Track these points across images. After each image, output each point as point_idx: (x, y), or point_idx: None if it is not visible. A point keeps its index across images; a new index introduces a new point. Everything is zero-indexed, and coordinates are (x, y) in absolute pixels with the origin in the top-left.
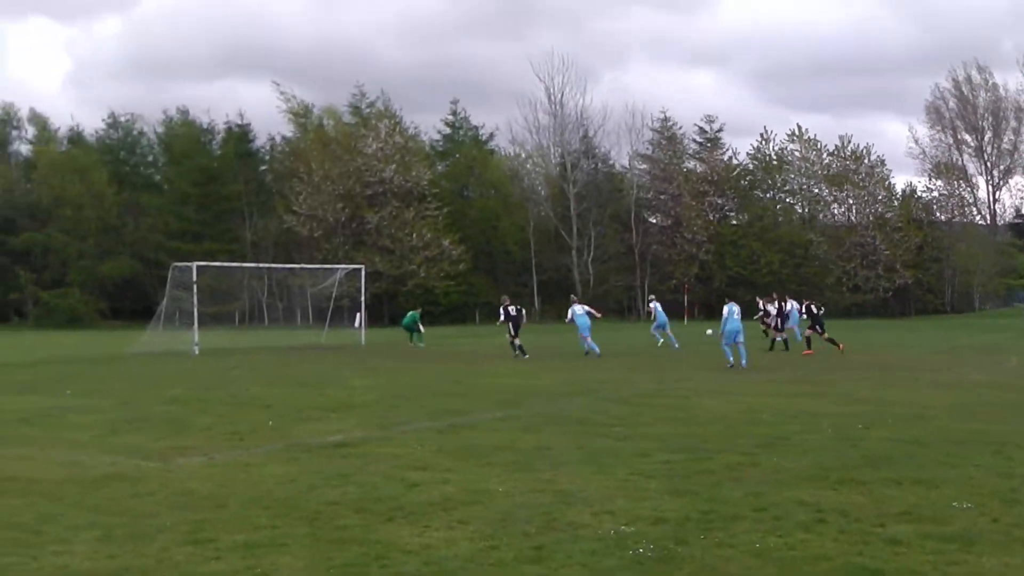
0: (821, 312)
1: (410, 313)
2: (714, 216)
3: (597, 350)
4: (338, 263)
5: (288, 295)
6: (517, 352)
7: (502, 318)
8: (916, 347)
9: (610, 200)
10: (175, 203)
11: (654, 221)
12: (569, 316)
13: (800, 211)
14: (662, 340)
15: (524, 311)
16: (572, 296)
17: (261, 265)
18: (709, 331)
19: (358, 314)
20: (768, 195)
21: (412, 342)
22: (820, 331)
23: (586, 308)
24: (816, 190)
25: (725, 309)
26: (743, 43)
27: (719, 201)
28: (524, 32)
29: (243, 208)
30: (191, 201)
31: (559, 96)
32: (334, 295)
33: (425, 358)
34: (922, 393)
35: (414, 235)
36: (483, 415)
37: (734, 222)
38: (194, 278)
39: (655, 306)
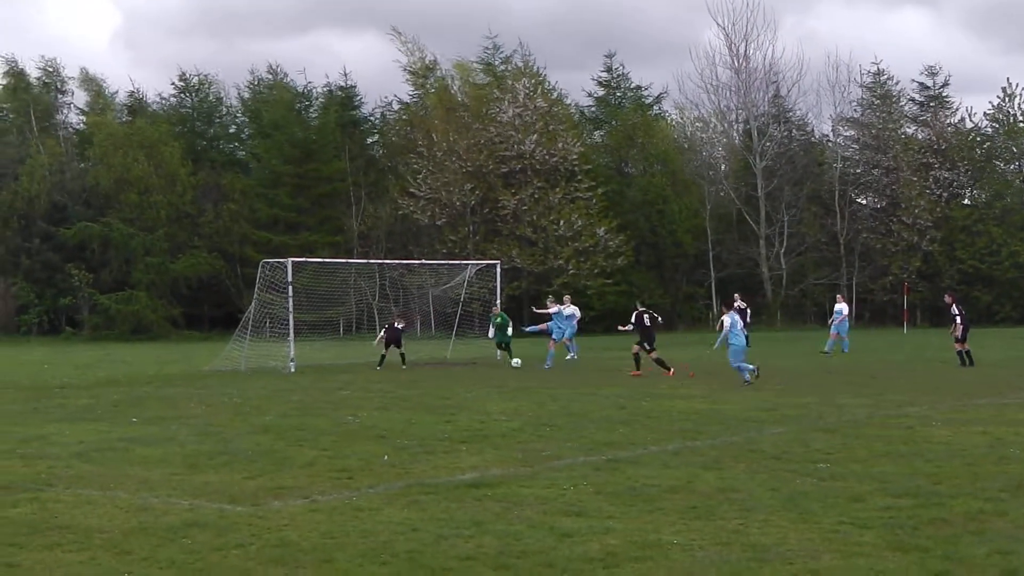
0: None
1: (501, 315)
2: (941, 195)
3: (549, 363)
4: (467, 258)
5: (405, 298)
6: (659, 365)
7: (632, 325)
8: None
9: (808, 176)
10: (264, 185)
11: (864, 202)
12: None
13: None
14: (830, 349)
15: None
16: (565, 296)
17: (371, 261)
18: (714, 346)
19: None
20: (1012, 167)
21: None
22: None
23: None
24: None
25: (727, 320)
26: None
27: (947, 176)
28: None
29: (348, 191)
30: (284, 182)
31: (742, 46)
32: (463, 297)
33: (578, 376)
34: None
35: (561, 222)
36: (652, 448)
37: (967, 202)
38: (289, 278)
39: (841, 308)
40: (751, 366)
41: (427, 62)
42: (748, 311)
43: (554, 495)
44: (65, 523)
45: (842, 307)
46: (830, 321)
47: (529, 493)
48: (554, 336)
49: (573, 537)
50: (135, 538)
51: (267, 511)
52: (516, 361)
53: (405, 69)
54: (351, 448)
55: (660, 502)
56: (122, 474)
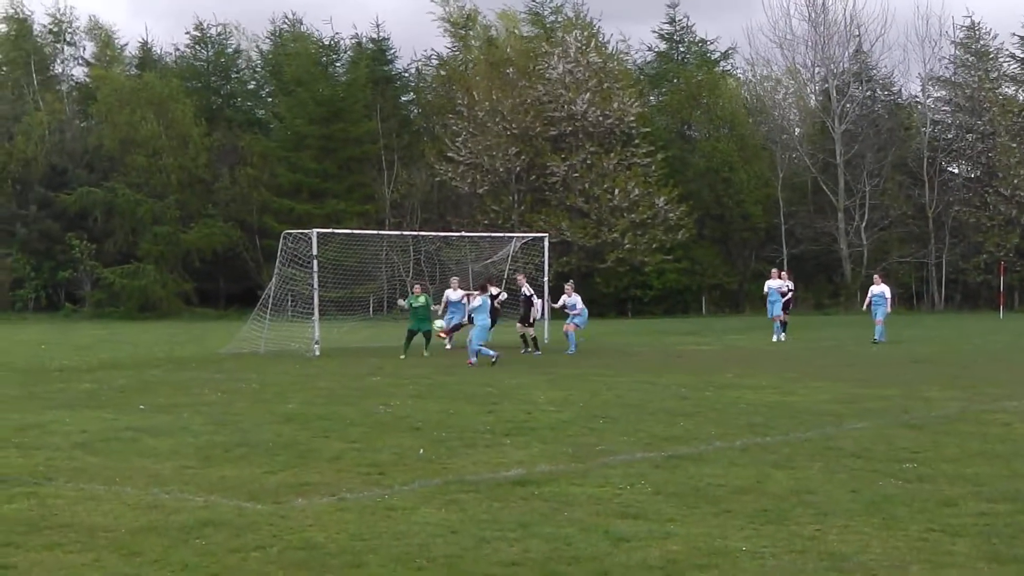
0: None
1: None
2: None
3: (474, 360)
4: (511, 230)
5: (442, 273)
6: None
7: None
8: None
9: (892, 142)
10: (287, 148)
11: (956, 171)
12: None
13: None
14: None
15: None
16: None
17: (405, 233)
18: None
19: (538, 301)
20: None
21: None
22: None
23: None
24: None
25: (478, 300)
26: None
27: None
28: None
29: (380, 155)
30: (309, 145)
31: None
32: (506, 274)
33: (635, 363)
34: None
35: (616, 191)
36: (718, 444)
37: None
38: (313, 251)
39: (882, 291)
40: (492, 352)
41: (467, 11)
42: (792, 290)
43: (608, 495)
44: (66, 521)
45: (883, 289)
46: (866, 306)
47: (580, 492)
48: (577, 323)
49: (630, 542)
50: (144, 538)
51: (290, 510)
52: (425, 353)
53: (443, 20)
54: (383, 441)
55: (727, 504)
56: (129, 467)
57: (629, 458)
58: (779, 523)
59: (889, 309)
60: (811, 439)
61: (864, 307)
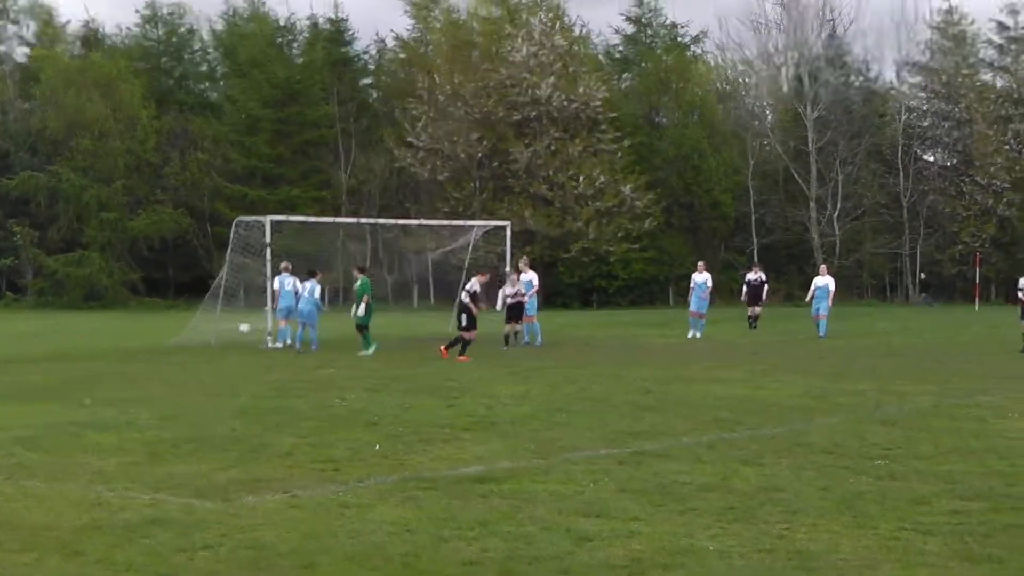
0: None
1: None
2: (1021, 151)
3: (298, 345)
4: (472, 218)
5: (401, 263)
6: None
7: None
8: None
9: (866, 129)
10: (240, 132)
11: (931, 159)
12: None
13: None
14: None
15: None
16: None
17: (363, 220)
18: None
19: (501, 291)
20: None
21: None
22: None
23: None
24: None
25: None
26: None
27: None
28: None
29: (336, 139)
30: (263, 129)
31: None
32: (467, 263)
33: (600, 356)
34: None
35: (581, 178)
36: (684, 439)
37: None
38: (267, 238)
39: (826, 283)
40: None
41: None
42: (766, 284)
43: (571, 492)
44: (5, 519)
45: (827, 281)
46: (809, 299)
47: (542, 489)
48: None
49: (592, 541)
50: (87, 537)
51: (240, 507)
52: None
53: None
54: (337, 436)
55: (693, 502)
56: (72, 463)
57: (592, 454)
58: (747, 521)
59: (831, 303)
60: (780, 435)
61: (808, 299)
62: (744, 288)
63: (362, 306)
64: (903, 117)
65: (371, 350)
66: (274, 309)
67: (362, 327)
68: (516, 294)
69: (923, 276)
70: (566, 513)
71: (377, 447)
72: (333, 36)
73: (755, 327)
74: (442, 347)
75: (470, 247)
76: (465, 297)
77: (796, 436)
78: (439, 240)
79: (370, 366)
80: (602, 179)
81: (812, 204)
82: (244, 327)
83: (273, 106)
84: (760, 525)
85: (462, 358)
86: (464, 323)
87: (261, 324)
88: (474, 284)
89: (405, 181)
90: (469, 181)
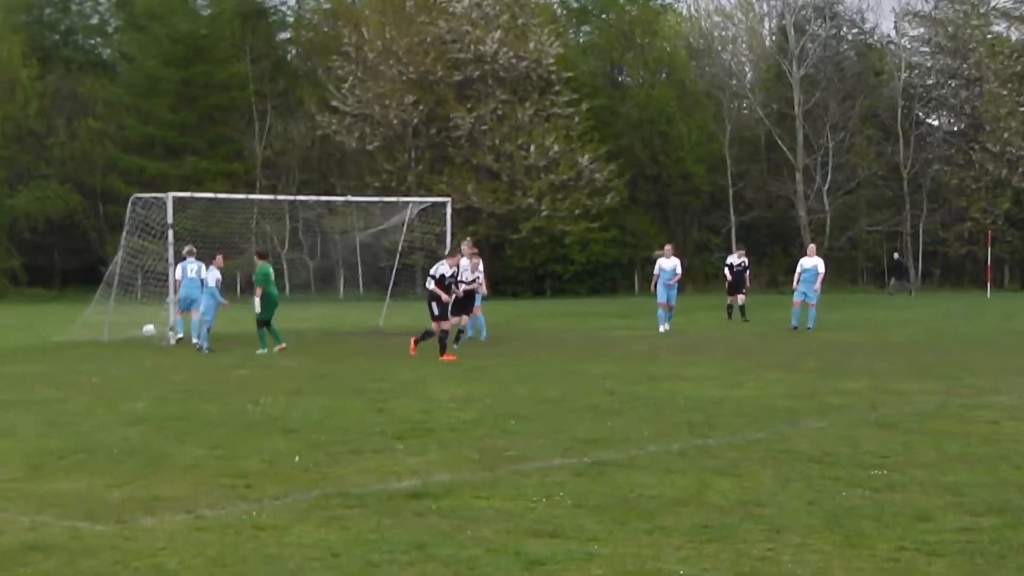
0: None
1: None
2: None
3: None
4: (407, 194)
5: (324, 245)
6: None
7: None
8: None
9: (861, 89)
10: (137, 94)
11: (936, 124)
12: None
13: None
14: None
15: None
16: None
17: (280, 197)
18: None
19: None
20: None
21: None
22: None
23: None
24: None
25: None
26: None
27: None
28: None
29: (250, 103)
30: (164, 91)
31: None
32: (401, 246)
33: (555, 351)
34: None
35: (532, 147)
36: (651, 447)
37: None
38: (169, 219)
39: (815, 265)
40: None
41: None
42: (748, 268)
43: (520, 509)
44: None
45: (816, 262)
46: (796, 283)
47: (487, 506)
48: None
49: (545, 565)
50: None
51: (136, 530)
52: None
53: None
54: (250, 446)
55: (661, 519)
56: None
57: (546, 465)
58: (723, 541)
59: (819, 288)
60: (761, 441)
61: (795, 283)
62: (727, 273)
63: (256, 299)
64: (903, 75)
65: (266, 350)
66: (177, 300)
67: (262, 322)
68: (473, 280)
69: (896, 256)
70: (515, 533)
71: (296, 458)
72: None
73: (746, 319)
74: (412, 338)
75: (404, 227)
76: (429, 283)
77: (780, 442)
78: (369, 219)
79: (289, 365)
80: (556, 148)
81: (798, 176)
82: (149, 328)
83: (175, 65)
84: (739, 545)
85: (447, 357)
86: (436, 312)
87: (163, 317)
88: (440, 267)
89: (330, 151)
90: (403, 151)
